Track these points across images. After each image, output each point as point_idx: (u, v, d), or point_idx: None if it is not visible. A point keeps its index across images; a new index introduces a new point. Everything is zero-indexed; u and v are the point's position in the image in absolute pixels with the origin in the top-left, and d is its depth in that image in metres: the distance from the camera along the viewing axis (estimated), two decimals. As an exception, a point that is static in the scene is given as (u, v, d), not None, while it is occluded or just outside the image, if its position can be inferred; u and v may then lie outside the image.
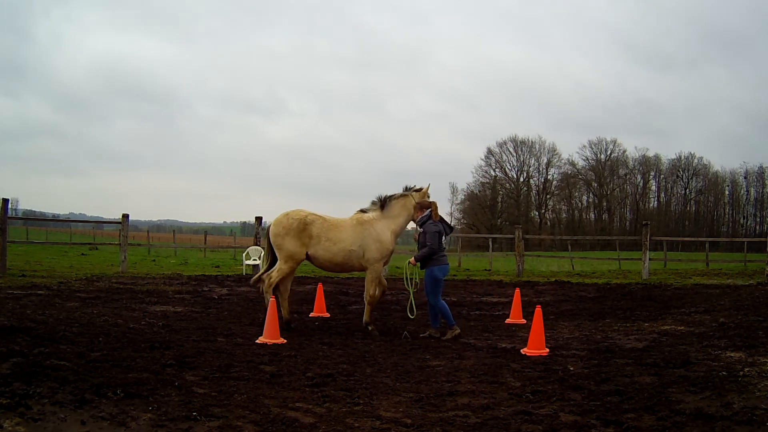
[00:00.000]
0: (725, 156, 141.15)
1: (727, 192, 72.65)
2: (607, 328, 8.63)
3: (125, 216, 17.37)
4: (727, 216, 74.19)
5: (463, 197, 75.10)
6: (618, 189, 75.32)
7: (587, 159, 76.00)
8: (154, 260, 23.26)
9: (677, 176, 73.80)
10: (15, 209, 59.11)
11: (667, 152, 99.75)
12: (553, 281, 16.10)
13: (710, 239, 29.70)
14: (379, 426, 4.24)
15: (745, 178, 72.09)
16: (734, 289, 13.22)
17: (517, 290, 10.18)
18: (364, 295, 8.48)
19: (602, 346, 7.13)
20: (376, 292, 8.47)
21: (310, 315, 9.90)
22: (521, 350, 6.94)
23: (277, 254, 8.34)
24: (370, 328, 8.27)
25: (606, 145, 75.06)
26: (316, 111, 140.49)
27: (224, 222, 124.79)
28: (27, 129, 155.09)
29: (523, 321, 9.33)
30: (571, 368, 5.98)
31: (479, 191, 74.80)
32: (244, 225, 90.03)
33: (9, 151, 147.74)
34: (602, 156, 75.53)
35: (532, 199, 76.25)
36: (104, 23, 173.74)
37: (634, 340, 7.57)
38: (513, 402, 4.86)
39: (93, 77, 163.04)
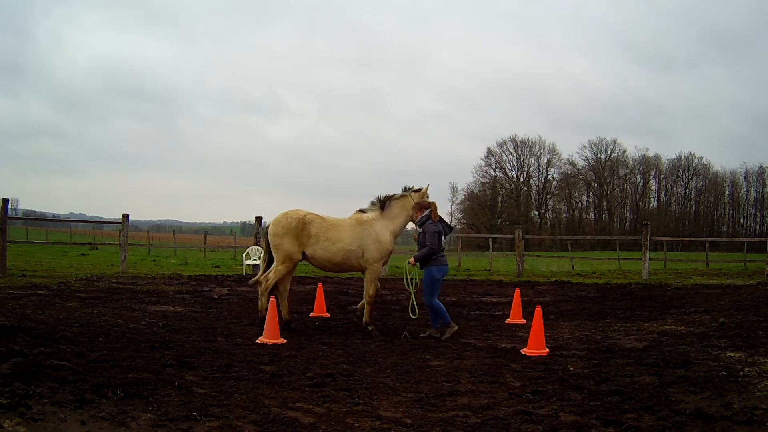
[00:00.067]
0: (725, 156, 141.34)
1: (727, 192, 72.68)
2: (607, 328, 8.63)
3: (125, 216, 17.37)
4: (727, 216, 74.21)
5: (463, 197, 75.21)
6: (618, 189, 75.32)
7: (587, 159, 76.12)
8: (154, 260, 23.26)
9: (677, 176, 73.82)
10: (15, 209, 59.16)
11: (667, 152, 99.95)
12: (553, 281, 16.10)
13: (710, 239, 29.69)
14: (379, 426, 4.24)
15: (745, 178, 72.18)
16: (734, 289, 13.22)
17: (517, 290, 10.18)
18: (364, 295, 8.48)
19: (602, 346, 7.12)
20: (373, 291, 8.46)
21: (310, 315, 9.90)
22: (521, 350, 6.94)
23: (274, 254, 8.33)
24: (370, 328, 8.27)
25: (606, 145, 75.18)
26: (316, 111, 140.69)
27: (224, 222, 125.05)
28: (27, 129, 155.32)
29: (523, 321, 9.33)
30: (571, 368, 5.98)
31: (479, 191, 74.82)
32: (244, 225, 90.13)
33: (9, 151, 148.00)
34: (602, 156, 75.63)
35: (532, 199, 76.26)
36: (104, 23, 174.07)
37: (634, 340, 7.57)
38: (513, 402, 4.86)
39: (93, 77, 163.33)
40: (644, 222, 18.93)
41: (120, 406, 4.26)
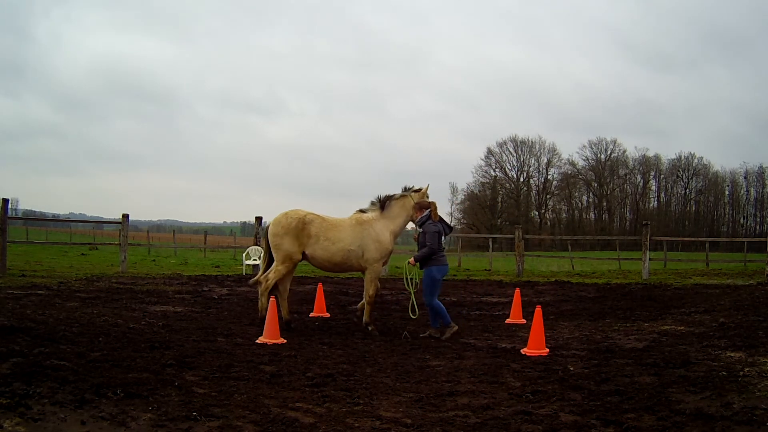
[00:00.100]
0: (725, 156, 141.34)
1: (727, 192, 72.69)
2: (607, 328, 8.63)
3: (125, 216, 17.37)
4: (727, 216, 74.22)
5: (463, 197, 75.22)
6: (618, 189, 75.33)
7: (587, 159, 76.13)
8: (154, 260, 23.26)
9: (677, 176, 73.83)
10: (15, 209, 59.17)
11: (667, 152, 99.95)
12: (553, 281, 16.10)
13: (710, 239, 29.69)
14: (379, 426, 4.24)
15: (745, 178, 72.19)
16: (734, 289, 13.22)
17: (517, 290, 10.18)
18: (364, 295, 8.48)
19: (602, 346, 7.12)
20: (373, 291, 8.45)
21: (310, 315, 9.90)
22: (521, 350, 6.94)
23: (274, 254, 8.33)
24: (370, 328, 8.27)
25: (606, 145, 75.19)
26: (316, 111, 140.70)
27: (224, 222, 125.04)
28: (27, 129, 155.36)
29: (523, 321, 9.33)
30: (571, 368, 5.98)
31: (479, 191, 74.82)
32: (244, 225, 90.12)
33: (9, 151, 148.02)
34: (602, 156, 75.63)
35: (532, 199, 76.26)
36: (104, 23, 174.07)
37: (634, 340, 7.57)
38: (513, 402, 4.86)
39: (93, 77, 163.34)
40: (644, 222, 18.93)
41: (120, 406, 4.26)
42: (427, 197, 8.54)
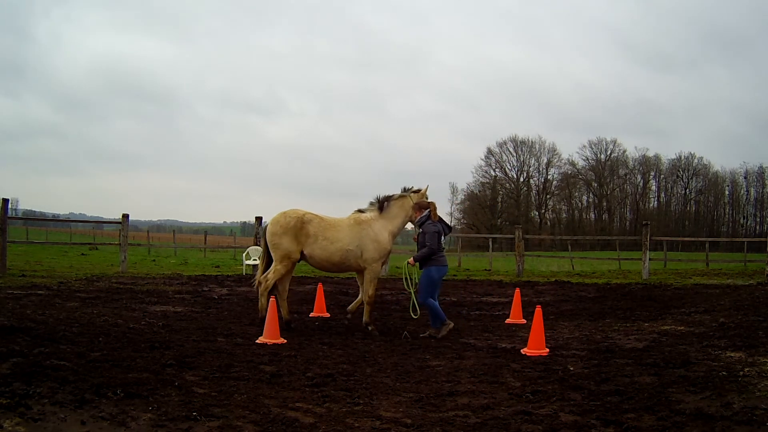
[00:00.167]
0: (725, 156, 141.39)
1: (727, 192, 72.71)
2: (607, 328, 8.63)
3: (125, 216, 17.37)
4: (727, 216, 74.24)
5: (463, 197, 75.25)
6: (618, 189, 75.35)
7: (587, 159, 76.17)
8: (154, 260, 23.26)
9: (677, 176, 73.85)
10: (15, 209, 59.17)
11: (667, 152, 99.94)
12: (553, 281, 16.10)
13: (710, 239, 29.69)
14: (379, 426, 4.24)
15: (745, 178, 72.22)
16: (734, 289, 13.22)
17: (517, 290, 10.18)
18: (363, 296, 8.48)
19: (602, 346, 7.12)
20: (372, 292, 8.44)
21: (310, 315, 9.91)
22: (521, 350, 6.94)
23: (272, 254, 8.33)
24: (370, 328, 8.28)
25: (606, 145, 75.23)
26: (316, 111, 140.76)
27: (224, 222, 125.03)
28: (27, 129, 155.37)
29: (523, 321, 9.33)
30: (571, 368, 5.98)
31: (479, 191, 74.83)
32: (244, 225, 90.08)
33: (9, 151, 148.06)
34: (602, 156, 75.67)
35: (532, 199, 76.27)
36: (104, 23, 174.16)
37: (634, 340, 7.57)
38: (513, 402, 4.86)
39: (93, 77, 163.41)
40: (644, 222, 18.93)
41: (120, 406, 4.26)
42: (426, 198, 8.54)
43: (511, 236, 20.43)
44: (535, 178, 76.11)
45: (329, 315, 9.89)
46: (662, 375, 5.53)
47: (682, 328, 8.33)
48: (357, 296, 8.81)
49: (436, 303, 8.05)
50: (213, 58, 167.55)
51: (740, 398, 4.57)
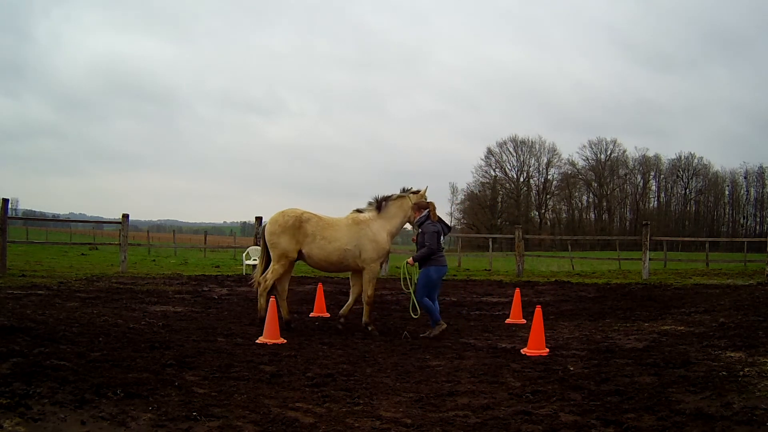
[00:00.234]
0: (725, 156, 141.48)
1: (727, 192, 72.73)
2: (607, 328, 8.63)
3: (125, 216, 17.37)
4: (727, 216, 74.25)
5: (463, 197, 75.26)
6: (618, 189, 75.35)
7: (587, 159, 76.18)
8: (154, 260, 23.26)
9: (677, 176, 73.86)
10: (15, 209, 59.18)
11: (667, 152, 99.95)
12: (553, 281, 16.10)
13: (710, 239, 29.70)
14: (379, 426, 4.24)
15: (745, 178, 72.24)
16: (734, 289, 13.22)
17: (517, 290, 10.18)
18: (363, 296, 8.47)
19: (602, 346, 7.12)
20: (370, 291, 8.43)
21: (310, 315, 9.91)
22: (521, 350, 6.93)
23: (271, 253, 8.33)
24: (370, 328, 8.27)
25: (606, 145, 75.24)
26: (316, 111, 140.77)
27: (224, 222, 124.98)
28: (27, 129, 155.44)
29: (523, 321, 9.33)
30: (571, 368, 5.98)
31: (479, 191, 74.83)
32: (244, 225, 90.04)
33: (9, 151, 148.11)
34: (602, 156, 75.69)
35: (532, 199, 76.28)
36: (104, 23, 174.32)
37: (634, 340, 7.57)
38: (513, 402, 4.86)
39: (93, 77, 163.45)
40: (644, 222, 18.93)
41: (120, 406, 4.26)
42: (426, 199, 8.53)
43: (511, 236, 20.43)
44: (535, 178, 76.24)
45: (329, 315, 9.88)
46: (662, 375, 5.53)
47: (682, 328, 8.33)
48: (351, 299, 8.78)
49: (430, 303, 8.02)
50: (213, 58, 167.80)
51: (740, 398, 4.57)
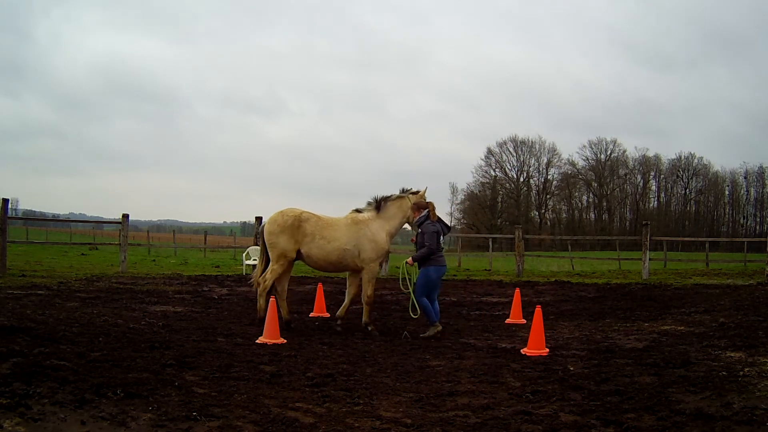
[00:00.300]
0: (725, 156, 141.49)
1: (727, 192, 72.73)
2: (607, 328, 8.63)
3: (125, 216, 17.37)
4: (727, 216, 74.26)
5: (463, 197, 75.27)
6: (618, 189, 75.35)
7: (587, 159, 76.18)
8: (154, 260, 23.26)
9: (677, 176, 73.85)
10: (15, 209, 59.16)
11: (667, 152, 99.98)
12: (553, 281, 16.10)
13: (710, 239, 29.69)
14: (379, 426, 4.24)
15: (745, 178, 72.23)
16: (734, 289, 13.22)
17: (517, 290, 10.18)
18: (362, 296, 8.47)
19: (602, 346, 7.12)
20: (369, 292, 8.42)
21: (310, 315, 9.91)
22: (521, 350, 6.94)
23: (269, 253, 8.33)
24: (369, 328, 8.27)
25: (606, 145, 75.24)
26: (316, 111, 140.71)
27: (224, 222, 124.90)
28: (27, 129, 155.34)
29: (523, 321, 9.33)
30: (571, 368, 5.98)
31: (479, 191, 74.84)
32: (244, 225, 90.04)
33: (9, 151, 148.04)
34: (602, 156, 75.68)
35: (532, 199, 76.28)
36: (104, 23, 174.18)
37: (634, 340, 7.57)
38: (513, 402, 4.86)
39: (93, 77, 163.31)
40: (644, 222, 18.93)
41: (120, 406, 4.26)
42: (425, 200, 8.53)
43: (511, 236, 20.43)
44: (535, 178, 76.23)
45: (329, 315, 9.88)
46: (662, 375, 5.54)
47: (682, 328, 8.33)
48: (347, 300, 8.77)
49: (428, 303, 8.01)
50: (213, 58, 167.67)
51: (740, 398, 4.57)
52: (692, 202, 73.97)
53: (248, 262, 17.45)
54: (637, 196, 75.02)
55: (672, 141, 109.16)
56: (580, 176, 76.17)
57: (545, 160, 74.89)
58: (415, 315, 8.31)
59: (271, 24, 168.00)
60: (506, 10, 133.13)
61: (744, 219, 73.88)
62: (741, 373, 5.36)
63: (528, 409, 4.61)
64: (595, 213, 76.75)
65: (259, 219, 17.80)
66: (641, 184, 75.27)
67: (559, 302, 11.81)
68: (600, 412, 4.47)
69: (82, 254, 25.66)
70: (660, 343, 7.29)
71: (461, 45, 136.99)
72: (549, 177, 75.80)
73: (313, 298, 10.47)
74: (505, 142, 74.61)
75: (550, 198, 76.61)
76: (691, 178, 73.59)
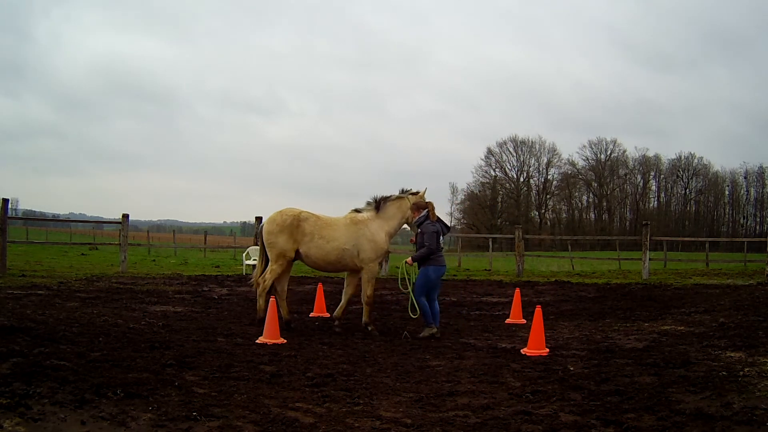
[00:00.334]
0: (725, 156, 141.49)
1: (727, 192, 72.71)
2: (607, 328, 8.63)
3: (125, 216, 17.37)
4: (727, 216, 74.25)
5: (463, 197, 75.25)
6: (618, 189, 75.35)
7: (587, 159, 76.16)
8: (154, 260, 23.26)
9: (677, 176, 73.84)
10: (15, 209, 59.16)
11: (667, 152, 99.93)
12: (553, 281, 16.10)
13: (710, 239, 29.69)
14: (379, 426, 4.24)
15: (745, 178, 72.22)
16: (734, 289, 13.22)
17: (517, 290, 10.18)
18: (362, 296, 8.47)
19: (602, 346, 7.12)
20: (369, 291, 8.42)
21: (310, 315, 9.91)
22: (521, 350, 6.94)
23: (268, 253, 8.32)
24: (369, 328, 8.27)
25: (606, 145, 75.22)
26: (316, 111, 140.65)
27: (224, 222, 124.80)
28: (27, 129, 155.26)
29: (523, 321, 9.33)
30: (571, 368, 5.98)
31: (479, 191, 74.83)
32: (244, 225, 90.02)
33: (9, 151, 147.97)
34: (602, 156, 75.66)
35: (532, 199, 76.27)
36: (104, 23, 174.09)
37: (634, 340, 7.57)
38: (513, 402, 4.86)
39: (93, 77, 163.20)
40: (644, 222, 18.93)
41: (120, 406, 4.26)
42: (424, 200, 8.52)
43: (511, 236, 20.43)
44: (535, 178, 76.22)
45: (329, 315, 9.88)
46: (662, 375, 5.54)
47: (682, 328, 8.33)
48: (344, 300, 8.76)
49: (426, 304, 8.01)
50: (213, 58, 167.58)
51: (740, 398, 4.57)
52: (692, 202, 73.98)
53: (248, 262, 17.45)
54: (637, 196, 75.03)
55: (672, 141, 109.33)
56: (580, 176, 76.18)
57: (545, 160, 74.98)
58: (414, 315, 8.31)
59: (271, 24, 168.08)
60: (506, 10, 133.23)
61: (744, 219, 73.91)
62: (741, 373, 5.36)
63: (528, 409, 4.61)
64: (595, 213, 76.76)
65: (259, 219, 17.80)
66: (641, 184, 75.30)
67: (559, 302, 11.81)
68: (600, 412, 4.47)
69: (82, 254, 25.66)
70: (660, 343, 7.29)
71: (461, 45, 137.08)
72: (549, 177, 75.91)
73: (313, 298, 10.47)
74: (505, 142, 74.70)
75: (550, 198, 76.64)
76: (691, 178, 73.61)
